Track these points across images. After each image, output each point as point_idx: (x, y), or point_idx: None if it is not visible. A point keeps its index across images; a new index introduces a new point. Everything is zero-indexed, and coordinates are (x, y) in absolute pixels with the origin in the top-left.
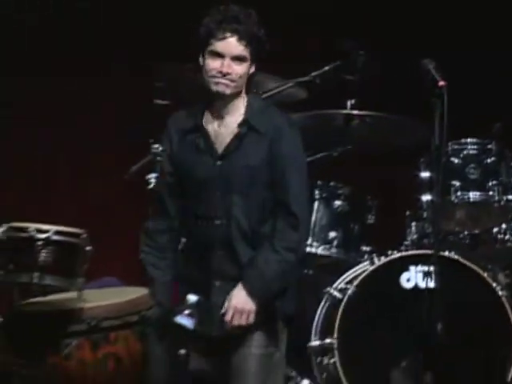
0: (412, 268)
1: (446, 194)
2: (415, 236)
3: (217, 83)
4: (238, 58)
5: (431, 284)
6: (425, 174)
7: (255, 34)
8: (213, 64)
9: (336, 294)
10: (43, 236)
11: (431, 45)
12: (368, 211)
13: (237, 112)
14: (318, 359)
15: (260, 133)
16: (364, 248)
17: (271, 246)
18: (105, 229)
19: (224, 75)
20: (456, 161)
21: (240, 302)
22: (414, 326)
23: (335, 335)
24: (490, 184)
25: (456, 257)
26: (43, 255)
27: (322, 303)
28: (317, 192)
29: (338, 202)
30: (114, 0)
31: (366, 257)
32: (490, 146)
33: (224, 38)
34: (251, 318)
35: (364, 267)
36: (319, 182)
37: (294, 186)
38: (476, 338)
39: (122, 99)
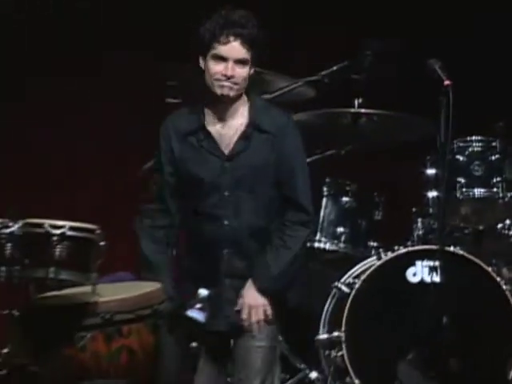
0: (418, 263)
1: (451, 191)
2: (421, 232)
3: (221, 86)
4: (241, 61)
5: (437, 278)
6: (431, 171)
7: (257, 37)
8: (216, 67)
9: (344, 288)
10: (58, 232)
11: (437, 44)
12: (375, 207)
13: (239, 113)
14: (326, 352)
15: (265, 132)
16: (371, 243)
17: (282, 242)
18: (105, 229)
19: (228, 78)
20: (461, 158)
21: (252, 299)
22: (420, 319)
23: (343, 329)
24: (495, 181)
25: (461, 252)
26: (58, 250)
27: (330, 297)
28: (325, 189)
29: (345, 199)
30: (114, 0)
31: (373, 252)
32: (494, 144)
33: (227, 42)
34: (268, 311)
35: (371, 262)
36: (327, 179)
37: (302, 183)
38: (480, 331)
39: (122, 99)
